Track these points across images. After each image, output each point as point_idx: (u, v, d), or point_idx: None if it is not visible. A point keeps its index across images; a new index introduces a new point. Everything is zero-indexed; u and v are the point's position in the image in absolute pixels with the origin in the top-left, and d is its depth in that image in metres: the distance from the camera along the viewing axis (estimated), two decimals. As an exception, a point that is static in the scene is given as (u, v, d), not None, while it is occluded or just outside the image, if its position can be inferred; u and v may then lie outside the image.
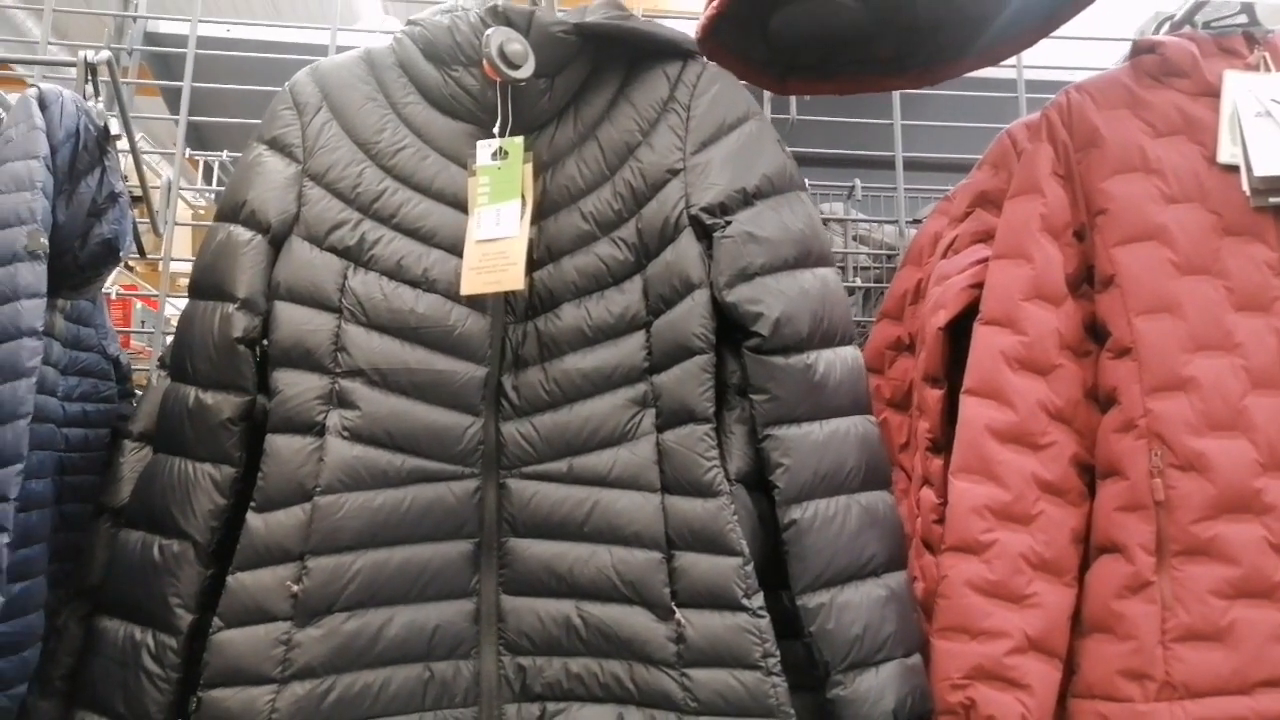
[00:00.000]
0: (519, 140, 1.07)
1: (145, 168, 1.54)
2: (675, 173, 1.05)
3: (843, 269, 1.74)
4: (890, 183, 1.66)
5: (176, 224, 1.71)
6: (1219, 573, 1.02)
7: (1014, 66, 1.65)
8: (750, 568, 0.95)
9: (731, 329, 1.02)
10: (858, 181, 1.72)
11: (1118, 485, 1.09)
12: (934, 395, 1.21)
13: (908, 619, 1.01)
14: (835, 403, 1.02)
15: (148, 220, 1.57)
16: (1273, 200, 1.11)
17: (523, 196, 1.05)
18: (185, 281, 1.88)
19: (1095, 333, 1.16)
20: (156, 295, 1.66)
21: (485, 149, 1.07)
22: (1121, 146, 1.17)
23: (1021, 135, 1.30)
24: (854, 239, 1.74)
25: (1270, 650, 0.99)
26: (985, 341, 1.15)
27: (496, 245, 1.03)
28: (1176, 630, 1.01)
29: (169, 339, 1.59)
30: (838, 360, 1.04)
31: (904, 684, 0.98)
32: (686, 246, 1.03)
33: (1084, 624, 1.07)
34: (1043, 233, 1.17)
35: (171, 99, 1.86)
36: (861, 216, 1.78)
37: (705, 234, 1.03)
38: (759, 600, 0.94)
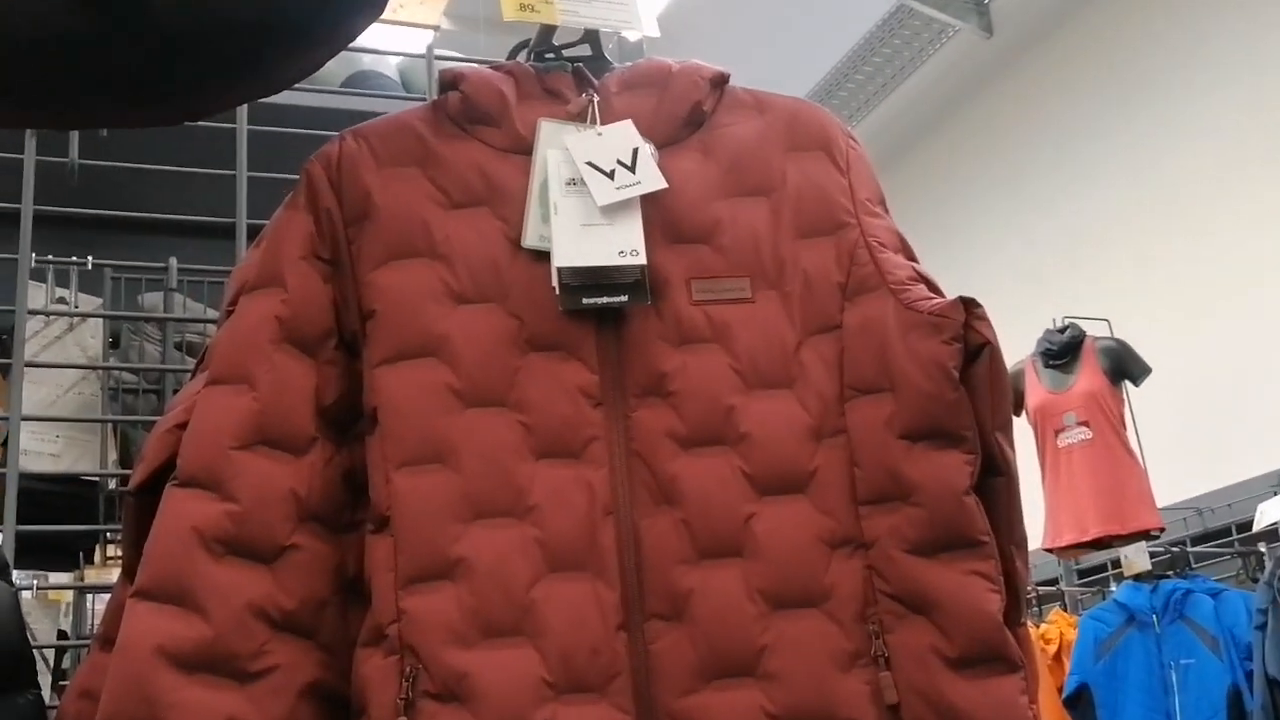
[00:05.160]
0: None
1: None
2: None
3: (158, 393, 1.23)
4: (226, 260, 1.18)
5: None
6: None
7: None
8: None
9: None
10: (173, 261, 1.21)
11: (364, 728, 0.71)
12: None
13: None
14: None
15: None
16: (587, 301, 0.81)
17: None
18: None
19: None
20: None
21: None
22: (402, 221, 0.82)
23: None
24: (177, 347, 1.22)
25: None
26: (175, 511, 0.73)
27: None
28: None
29: None
30: None
31: None
32: None
33: None
34: (280, 344, 0.78)
35: None
36: (190, 316, 1.24)
37: None
38: None
